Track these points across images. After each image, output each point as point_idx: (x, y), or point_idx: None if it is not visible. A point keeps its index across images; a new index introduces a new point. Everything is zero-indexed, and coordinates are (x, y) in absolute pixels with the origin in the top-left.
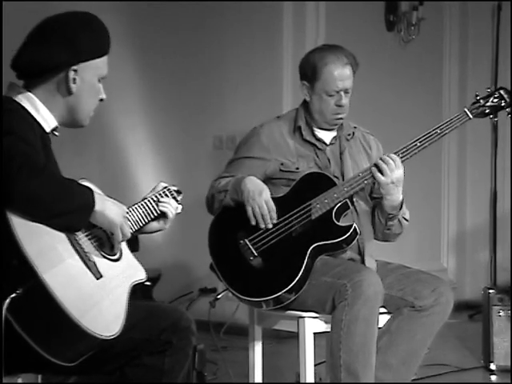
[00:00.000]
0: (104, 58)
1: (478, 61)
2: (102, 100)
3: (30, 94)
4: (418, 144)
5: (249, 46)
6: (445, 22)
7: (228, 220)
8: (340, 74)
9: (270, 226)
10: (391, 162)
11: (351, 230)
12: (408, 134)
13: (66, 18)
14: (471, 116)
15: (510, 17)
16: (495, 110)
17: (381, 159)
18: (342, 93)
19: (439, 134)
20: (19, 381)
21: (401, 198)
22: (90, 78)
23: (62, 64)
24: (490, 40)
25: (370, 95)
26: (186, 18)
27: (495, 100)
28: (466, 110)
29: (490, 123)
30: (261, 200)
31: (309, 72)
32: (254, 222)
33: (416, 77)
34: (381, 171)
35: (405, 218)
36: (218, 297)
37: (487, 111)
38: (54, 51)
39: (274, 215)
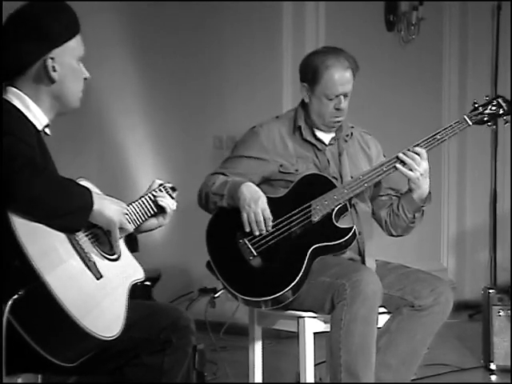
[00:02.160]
0: (77, 38)
1: (478, 61)
2: (86, 79)
3: (18, 91)
4: None
5: (249, 46)
6: (445, 22)
7: (227, 218)
8: (341, 78)
9: (264, 232)
10: (416, 156)
11: (351, 233)
12: (408, 134)
13: (28, 9)
14: (471, 123)
15: (510, 17)
16: (493, 117)
17: (405, 155)
18: (342, 97)
19: (439, 139)
20: (19, 381)
21: (428, 188)
22: (69, 61)
23: (37, 55)
24: (489, 40)
25: (369, 95)
26: (186, 18)
27: (493, 108)
28: (465, 116)
29: None
30: (257, 208)
31: (309, 74)
32: (248, 229)
33: (416, 77)
34: (408, 167)
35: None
36: (216, 295)
37: (485, 118)
38: (25, 45)
39: (270, 223)
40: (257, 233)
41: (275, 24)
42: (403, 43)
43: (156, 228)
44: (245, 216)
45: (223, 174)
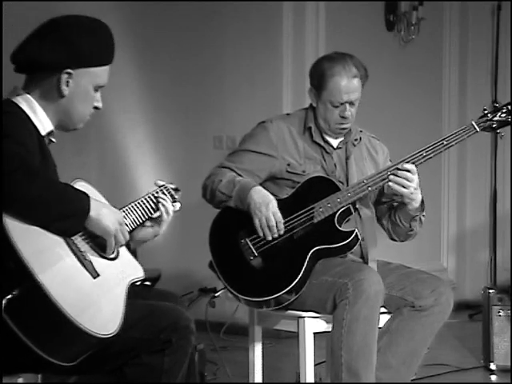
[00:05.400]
0: (104, 68)
1: (478, 61)
2: (96, 108)
3: (28, 95)
4: (424, 154)
5: (249, 46)
6: (445, 22)
7: (230, 219)
8: (346, 86)
9: (277, 235)
10: (408, 174)
11: (352, 236)
12: (407, 134)
13: (71, 20)
14: (478, 129)
15: (509, 17)
16: (502, 124)
17: (395, 174)
18: (347, 104)
19: (445, 145)
20: (19, 381)
21: (421, 197)
22: (85, 84)
23: (56, 64)
24: (489, 40)
25: (369, 95)
26: (186, 18)
27: (503, 115)
28: (473, 123)
29: None
30: (268, 212)
31: (316, 80)
32: (261, 234)
33: (416, 77)
34: (400, 184)
35: (423, 215)
36: (216, 295)
37: (494, 125)
38: (50, 50)
39: (282, 226)
40: (269, 237)
41: (275, 24)
42: (403, 43)
43: (152, 238)
44: (257, 221)
45: (230, 168)
